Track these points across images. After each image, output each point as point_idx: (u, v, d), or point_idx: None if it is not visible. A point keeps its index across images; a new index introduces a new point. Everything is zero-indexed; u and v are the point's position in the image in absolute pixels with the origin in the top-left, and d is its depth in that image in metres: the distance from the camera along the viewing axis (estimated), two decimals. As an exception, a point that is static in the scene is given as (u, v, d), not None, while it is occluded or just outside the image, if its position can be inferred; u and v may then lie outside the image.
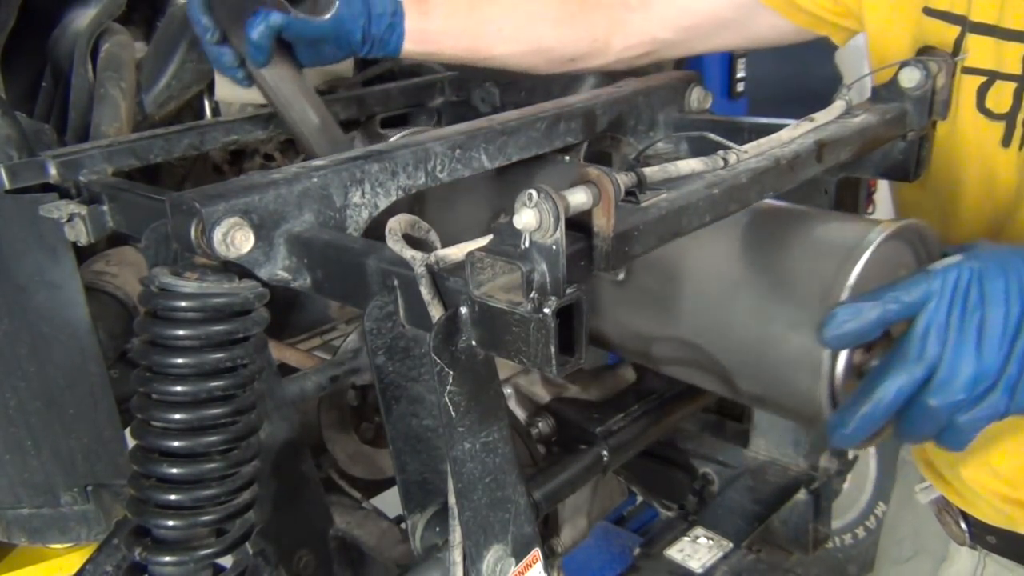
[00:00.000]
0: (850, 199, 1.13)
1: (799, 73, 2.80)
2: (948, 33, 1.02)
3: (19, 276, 0.95)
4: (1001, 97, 0.99)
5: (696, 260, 0.88)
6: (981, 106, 1.00)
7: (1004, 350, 0.68)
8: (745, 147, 0.82)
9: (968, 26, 1.00)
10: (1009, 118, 0.98)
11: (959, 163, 1.04)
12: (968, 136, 1.02)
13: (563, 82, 1.34)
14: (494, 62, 1.19)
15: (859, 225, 0.81)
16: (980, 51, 0.99)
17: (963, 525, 1.20)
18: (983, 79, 1.00)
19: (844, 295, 0.75)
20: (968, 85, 1.00)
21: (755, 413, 1.33)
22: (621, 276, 0.92)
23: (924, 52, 1.01)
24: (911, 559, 1.36)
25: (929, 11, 1.03)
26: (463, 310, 0.67)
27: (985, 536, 1.19)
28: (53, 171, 0.96)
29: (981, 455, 1.10)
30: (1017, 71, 0.97)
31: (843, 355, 0.76)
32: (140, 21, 1.35)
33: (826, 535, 1.35)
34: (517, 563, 0.79)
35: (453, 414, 0.71)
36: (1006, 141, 0.99)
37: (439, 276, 0.69)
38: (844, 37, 1.18)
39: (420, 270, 0.69)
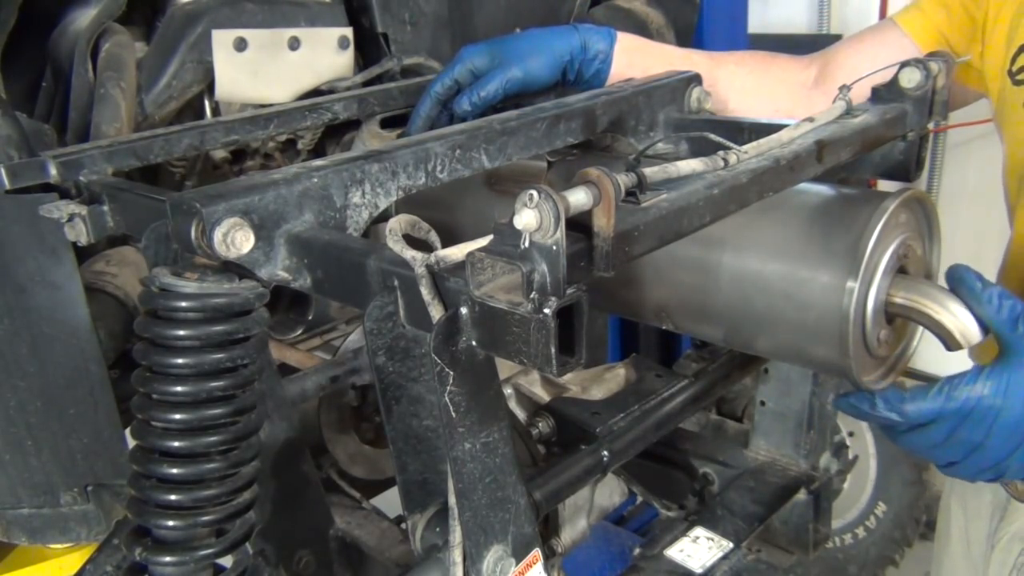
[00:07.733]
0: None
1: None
2: None
3: (19, 276, 0.95)
4: None
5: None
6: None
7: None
8: (745, 147, 0.82)
9: None
10: None
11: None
12: None
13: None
14: None
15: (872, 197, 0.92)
16: None
17: None
18: None
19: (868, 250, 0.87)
20: None
21: (755, 413, 1.33)
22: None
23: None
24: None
25: None
26: (463, 310, 0.67)
27: None
28: (53, 171, 0.96)
29: None
30: None
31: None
32: (140, 21, 1.34)
33: (826, 535, 1.35)
34: (517, 563, 0.80)
35: (453, 414, 0.71)
36: None
37: (439, 276, 0.69)
38: None
39: (420, 270, 0.69)
